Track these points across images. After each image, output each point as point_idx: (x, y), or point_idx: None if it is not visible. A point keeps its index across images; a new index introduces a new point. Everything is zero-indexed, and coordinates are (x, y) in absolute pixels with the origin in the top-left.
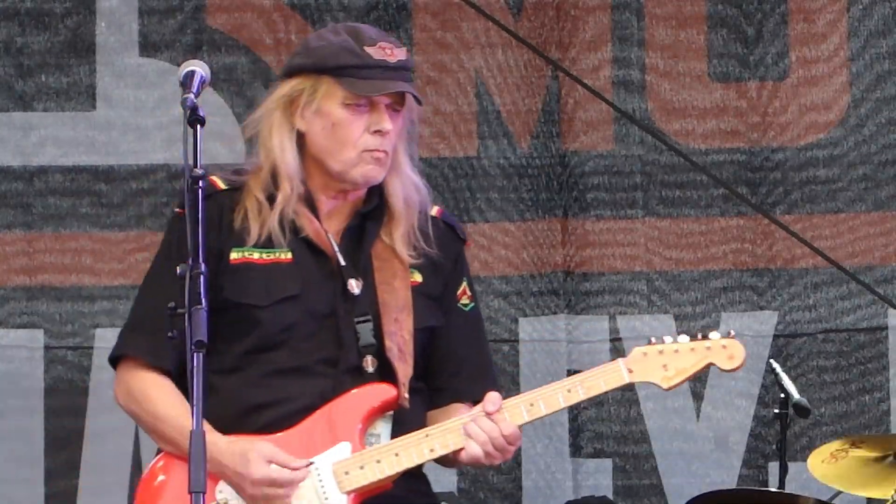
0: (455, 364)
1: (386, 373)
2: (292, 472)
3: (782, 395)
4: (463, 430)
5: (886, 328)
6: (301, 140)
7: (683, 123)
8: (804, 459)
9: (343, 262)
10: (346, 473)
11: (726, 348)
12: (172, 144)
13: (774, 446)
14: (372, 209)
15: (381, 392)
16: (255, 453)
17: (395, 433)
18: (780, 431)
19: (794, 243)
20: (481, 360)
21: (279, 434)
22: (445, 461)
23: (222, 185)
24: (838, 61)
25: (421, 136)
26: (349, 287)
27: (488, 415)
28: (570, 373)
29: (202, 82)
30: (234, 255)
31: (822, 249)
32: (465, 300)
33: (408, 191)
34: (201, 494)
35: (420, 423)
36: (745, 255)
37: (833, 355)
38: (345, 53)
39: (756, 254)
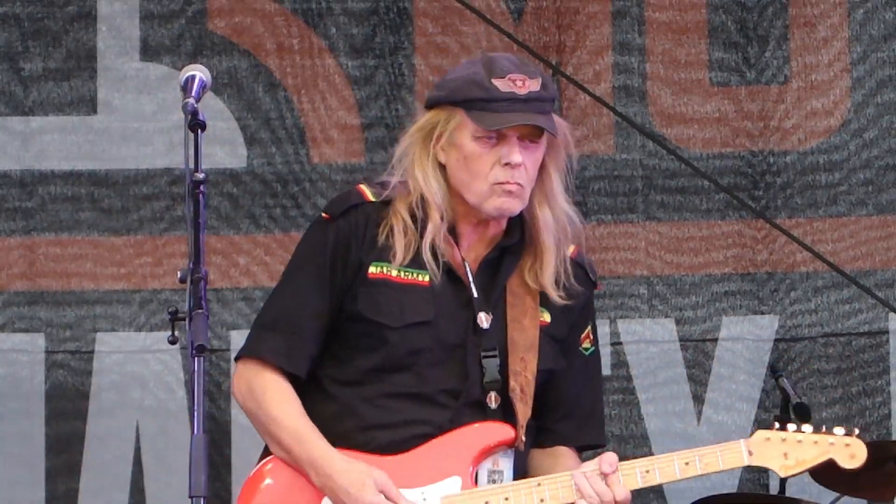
0: (567, 407)
1: (507, 412)
2: None
3: (783, 399)
4: (575, 486)
5: (887, 332)
6: (443, 171)
7: (684, 129)
8: None
9: (476, 294)
10: None
11: (849, 447)
12: (173, 149)
13: None
14: (512, 244)
15: (500, 431)
16: (371, 479)
17: (515, 476)
18: None
19: (795, 247)
20: (593, 406)
21: (391, 457)
22: None
23: (371, 197)
24: (839, 66)
25: None
26: (479, 320)
27: (604, 476)
28: None
29: (203, 87)
30: (374, 269)
31: (824, 253)
32: (587, 344)
33: (560, 224)
34: (202, 499)
35: (527, 461)
36: (745, 260)
37: (834, 359)
38: (473, 87)
39: (757, 258)
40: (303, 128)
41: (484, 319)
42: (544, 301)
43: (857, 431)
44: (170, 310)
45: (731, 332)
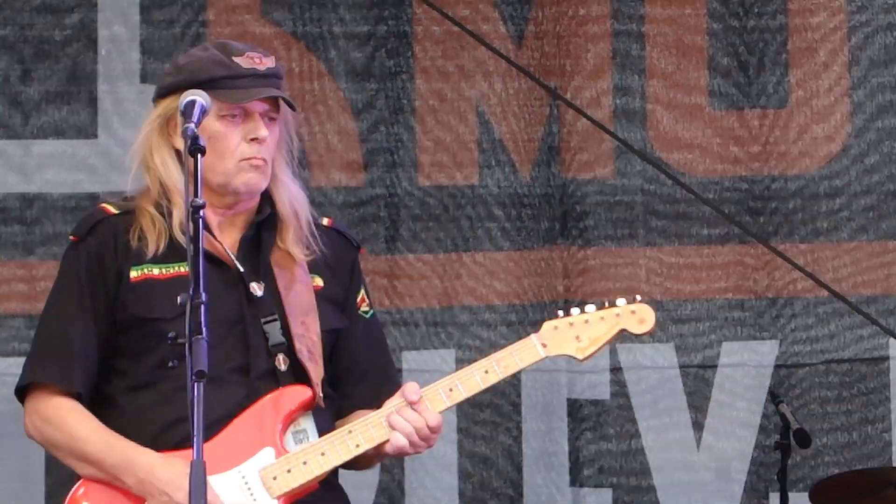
0: (360, 371)
1: (298, 375)
2: None
3: (783, 425)
4: (386, 422)
5: (888, 358)
6: (180, 158)
7: (684, 153)
8: (805, 490)
9: (241, 269)
10: (274, 478)
11: (635, 313)
12: None
13: (775, 476)
14: (265, 218)
15: (297, 394)
16: (186, 479)
17: (319, 432)
18: (781, 461)
19: (796, 273)
20: (385, 366)
21: None
22: (364, 459)
23: (114, 210)
24: (840, 91)
25: (422, 164)
26: (251, 290)
27: (411, 404)
28: (571, 402)
29: (203, 112)
30: (134, 273)
31: (825, 279)
32: (364, 307)
33: (291, 198)
34: None
35: (332, 428)
36: (746, 285)
37: (835, 386)
38: (214, 66)
39: (757, 284)
40: (303, 151)
41: (256, 288)
42: (314, 268)
43: (638, 298)
44: (169, 335)
45: (732, 359)
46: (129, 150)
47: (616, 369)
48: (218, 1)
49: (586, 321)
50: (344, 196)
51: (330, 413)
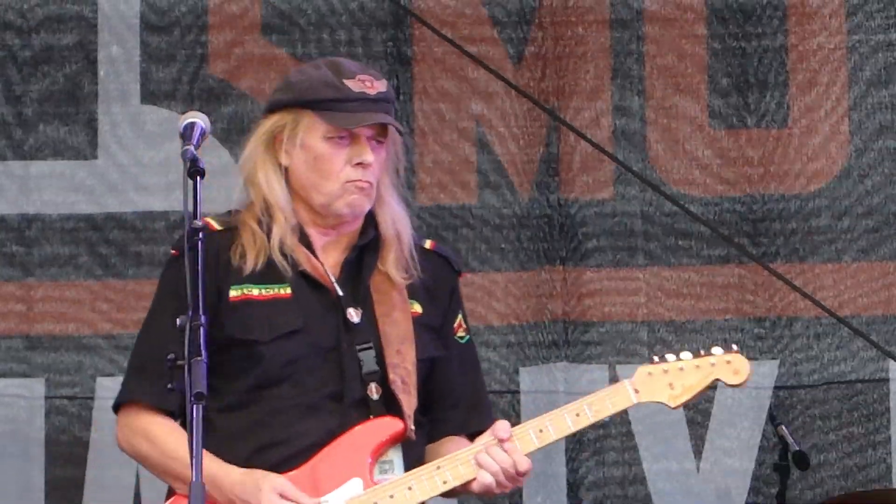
0: (453, 397)
1: (390, 405)
2: None
3: (781, 447)
4: (474, 461)
5: (888, 380)
6: (286, 175)
7: (684, 172)
8: None
9: (341, 293)
10: None
11: (730, 363)
12: (172, 193)
13: (775, 500)
14: (368, 242)
15: (388, 426)
16: (267, 485)
17: (406, 464)
18: (780, 483)
19: (796, 293)
20: (478, 392)
21: (287, 474)
22: (454, 492)
23: (217, 226)
24: (840, 111)
25: (421, 183)
26: (349, 316)
27: (500, 442)
28: None
29: (202, 134)
30: (234, 293)
31: (825, 300)
32: (461, 333)
33: (395, 220)
34: None
35: (423, 456)
36: (746, 306)
37: (835, 407)
38: (324, 87)
39: (758, 304)
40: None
41: (354, 314)
42: (413, 293)
43: (735, 347)
44: (168, 357)
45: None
46: (127, 171)
47: None
48: (218, 22)
49: (681, 369)
50: None
51: (419, 443)
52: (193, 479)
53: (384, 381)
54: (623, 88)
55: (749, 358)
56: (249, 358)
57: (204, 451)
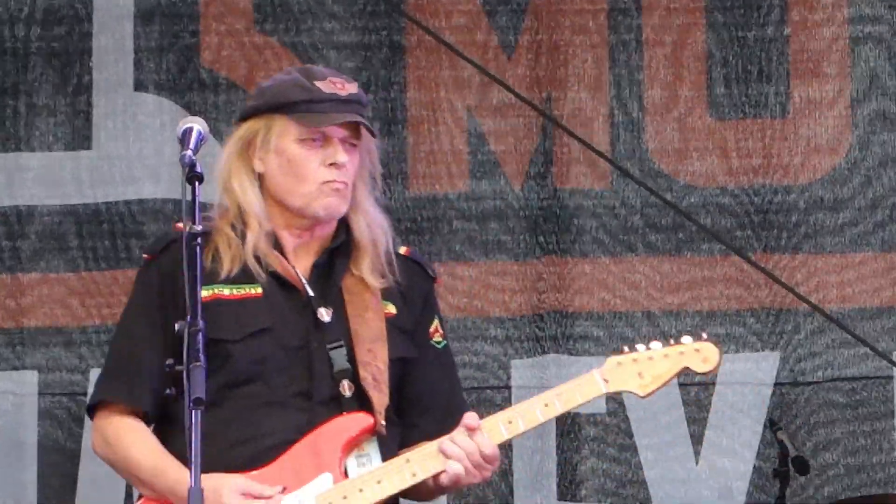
0: (427, 401)
1: (363, 402)
2: (267, 501)
3: (781, 452)
4: (439, 449)
5: (892, 377)
6: (261, 181)
7: (684, 164)
8: None
9: (312, 293)
10: None
11: (699, 352)
12: (164, 184)
13: (775, 500)
14: (340, 244)
15: (358, 421)
16: (227, 488)
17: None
18: (780, 489)
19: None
20: (452, 398)
21: (258, 471)
22: (424, 490)
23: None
24: (842, 102)
25: (414, 173)
26: (319, 315)
27: (468, 431)
28: (568, 419)
29: (200, 139)
30: (205, 293)
31: (827, 290)
32: (437, 338)
33: (371, 226)
34: None
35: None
36: (747, 299)
37: (837, 403)
38: (295, 89)
39: (759, 297)
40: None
41: (325, 314)
42: (387, 296)
43: (704, 336)
44: (167, 362)
45: (732, 375)
46: (121, 161)
47: None
48: (210, 11)
49: (650, 358)
50: None
51: (395, 440)
52: (192, 485)
53: (356, 379)
54: (622, 78)
55: (751, 351)
56: (219, 356)
57: (170, 454)
